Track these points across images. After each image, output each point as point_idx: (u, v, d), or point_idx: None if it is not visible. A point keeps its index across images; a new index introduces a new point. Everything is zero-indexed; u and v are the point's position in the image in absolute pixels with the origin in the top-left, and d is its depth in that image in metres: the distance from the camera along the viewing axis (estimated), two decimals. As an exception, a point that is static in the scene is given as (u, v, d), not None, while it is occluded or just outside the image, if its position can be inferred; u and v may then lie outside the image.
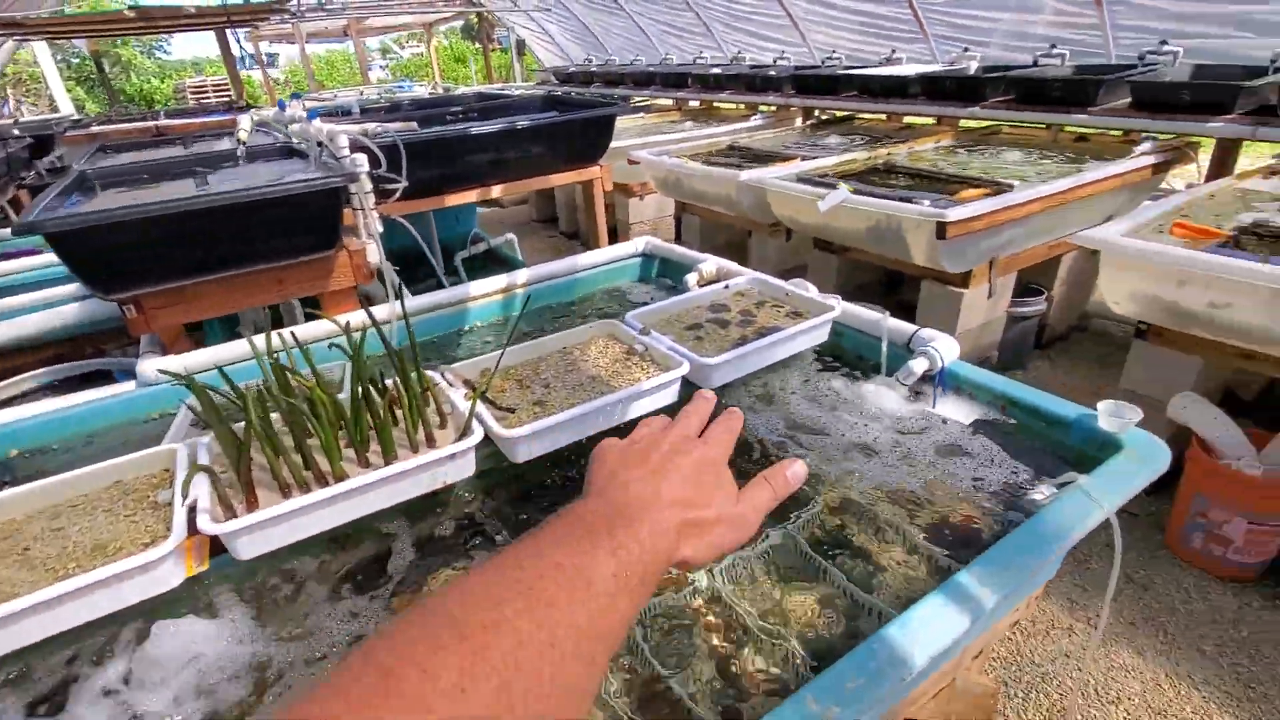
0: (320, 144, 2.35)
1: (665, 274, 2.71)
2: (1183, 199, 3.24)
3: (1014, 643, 2.60)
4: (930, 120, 5.82)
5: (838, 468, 1.53)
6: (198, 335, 3.34)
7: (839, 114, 6.13)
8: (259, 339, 1.42)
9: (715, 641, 1.17)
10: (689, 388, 1.69)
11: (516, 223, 8.56)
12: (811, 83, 6.22)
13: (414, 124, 2.53)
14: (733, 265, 2.37)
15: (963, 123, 5.42)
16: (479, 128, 2.81)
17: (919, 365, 1.66)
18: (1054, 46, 5.44)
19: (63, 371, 2.50)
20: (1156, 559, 2.93)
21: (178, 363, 1.94)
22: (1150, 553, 2.96)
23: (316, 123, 2.38)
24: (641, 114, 7.73)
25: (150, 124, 8.38)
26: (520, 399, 1.57)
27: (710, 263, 2.39)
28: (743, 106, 7.43)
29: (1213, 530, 2.74)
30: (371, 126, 2.43)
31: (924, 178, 4.14)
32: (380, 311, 2.13)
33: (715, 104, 7.70)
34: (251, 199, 1.83)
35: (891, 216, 3.32)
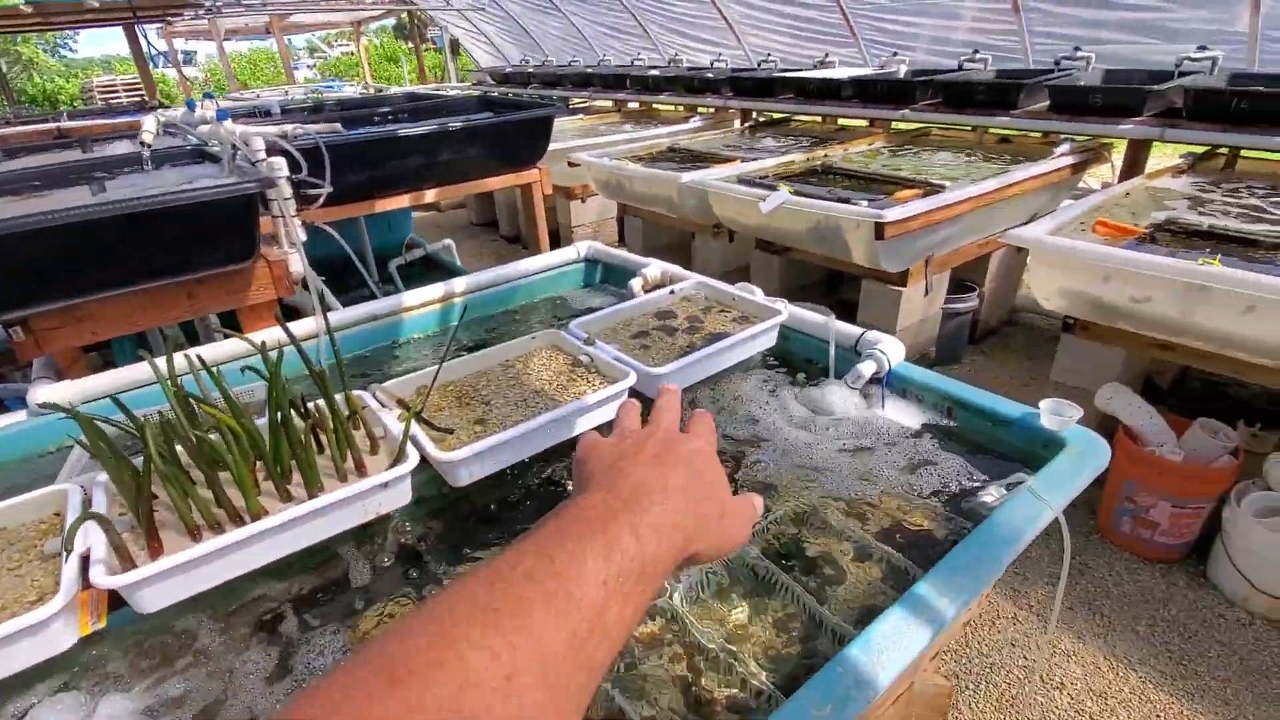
0: (235, 147, 2.18)
1: (609, 279, 2.65)
2: (1100, 198, 3.39)
3: (962, 635, 2.65)
4: (864, 122, 5.96)
5: (790, 475, 1.50)
6: (107, 354, 3.08)
7: (776, 116, 6.21)
8: (160, 361, 1.29)
9: (677, 668, 1.12)
10: (637, 399, 1.64)
11: (455, 227, 8.34)
12: (748, 85, 6.27)
13: (337, 125, 2.39)
14: (677, 269, 2.32)
15: (894, 125, 5.56)
16: (408, 129, 2.68)
17: (867, 368, 1.65)
18: (976, 52, 5.65)
19: (-60, 401, 2.25)
20: (1090, 543, 3.05)
21: (72, 389, 1.75)
22: (1084, 537, 3.08)
23: (228, 124, 2.20)
24: (580, 115, 7.64)
25: (52, 125, 7.79)
26: (459, 418, 1.48)
27: (654, 267, 2.34)
28: (682, 108, 7.44)
29: (1140, 515, 2.86)
30: (290, 128, 2.27)
31: (861, 179, 4.22)
32: (307, 326, 1.99)
33: (654, 106, 7.69)
34: (153, 207, 1.66)
35: (830, 217, 3.35)
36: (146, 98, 11.59)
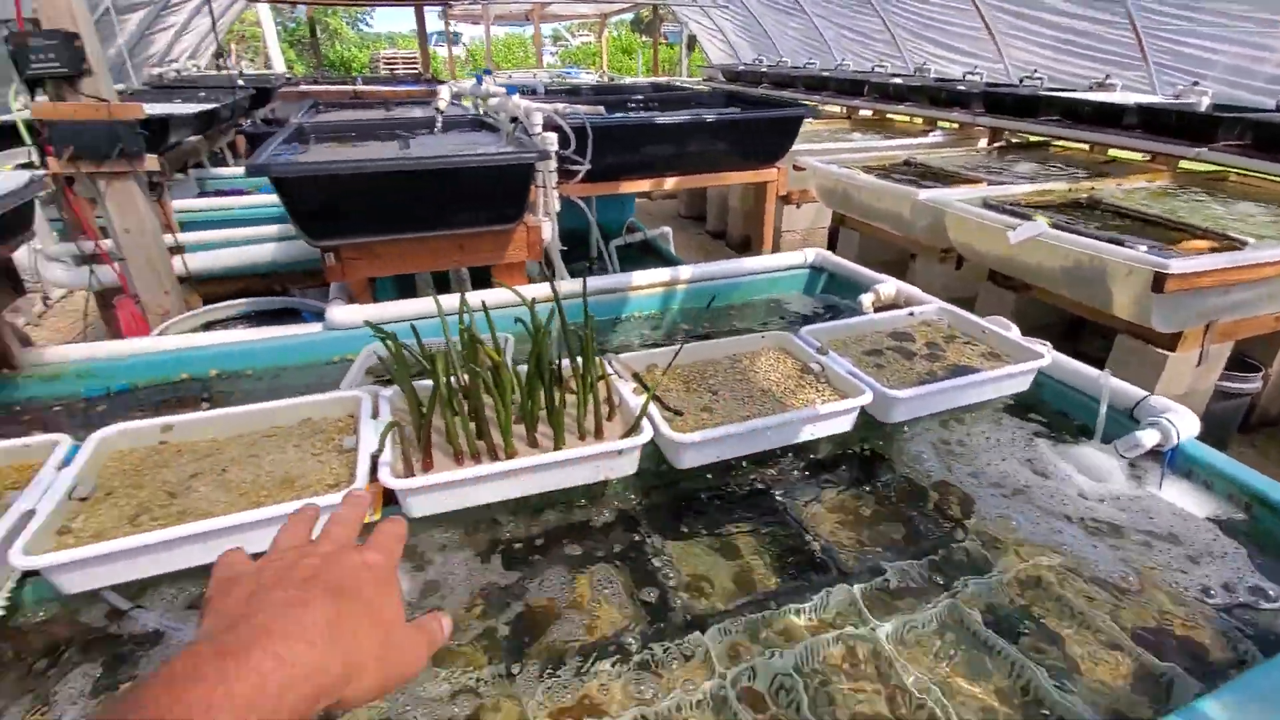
0: (515, 120, 2.42)
1: (832, 290, 2.56)
2: None
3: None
4: (1141, 157, 5.17)
5: (1024, 536, 1.34)
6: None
7: (1032, 138, 5.60)
8: (445, 300, 1.45)
9: (871, 701, 1.05)
10: (865, 418, 1.56)
11: (663, 217, 8.59)
12: (1005, 101, 5.72)
13: (601, 108, 2.55)
14: (914, 290, 2.18)
15: (1182, 164, 4.76)
16: (666, 117, 2.79)
17: (1148, 438, 1.42)
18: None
19: (260, 304, 2.75)
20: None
21: (362, 313, 2.05)
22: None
23: (516, 98, 2.45)
24: (808, 119, 7.46)
25: (349, 88, 9.19)
26: (687, 403, 1.50)
27: (890, 284, 2.21)
28: (920, 121, 6.99)
29: None
30: (562, 106, 2.46)
31: (1135, 219, 3.66)
32: (543, 289, 2.14)
33: (888, 116, 7.30)
34: (459, 165, 1.91)
35: (1096, 259, 2.94)
36: (421, 70, 13.27)
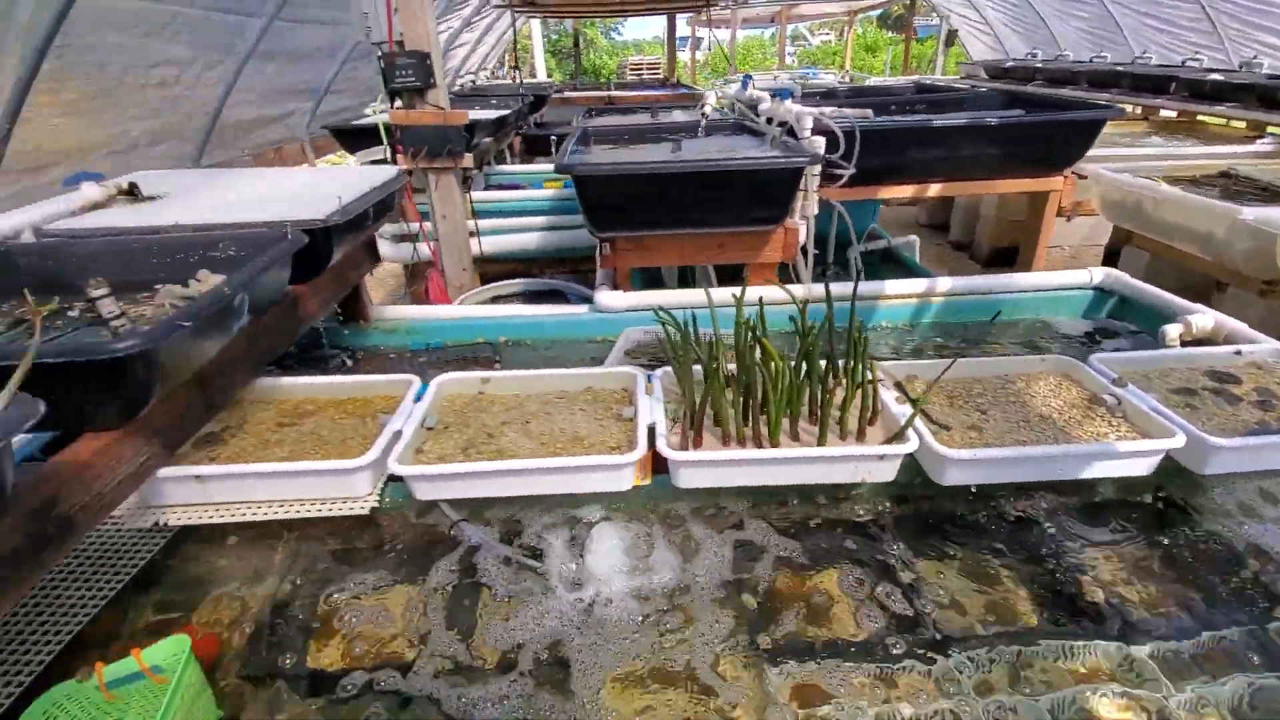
0: (782, 124, 2.48)
1: (1122, 315, 2.26)
2: None
3: None
4: None
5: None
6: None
7: None
8: (717, 293, 1.55)
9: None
10: (1169, 464, 1.37)
11: (901, 224, 8.09)
12: (1382, 100, 4.50)
13: (868, 111, 2.51)
14: (1241, 327, 1.85)
15: None
16: (942, 120, 2.65)
17: None
18: None
19: (534, 285, 3.14)
20: None
21: (626, 300, 2.25)
22: None
23: (787, 103, 2.51)
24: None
25: (604, 93, 9.96)
26: (952, 419, 1.45)
27: (1205, 316, 1.90)
28: (1243, 125, 5.77)
29: None
30: (830, 110, 2.47)
31: None
32: (795, 290, 2.17)
33: (1200, 118, 6.12)
34: (737, 169, 2.03)
35: None
36: (666, 75, 13.93)
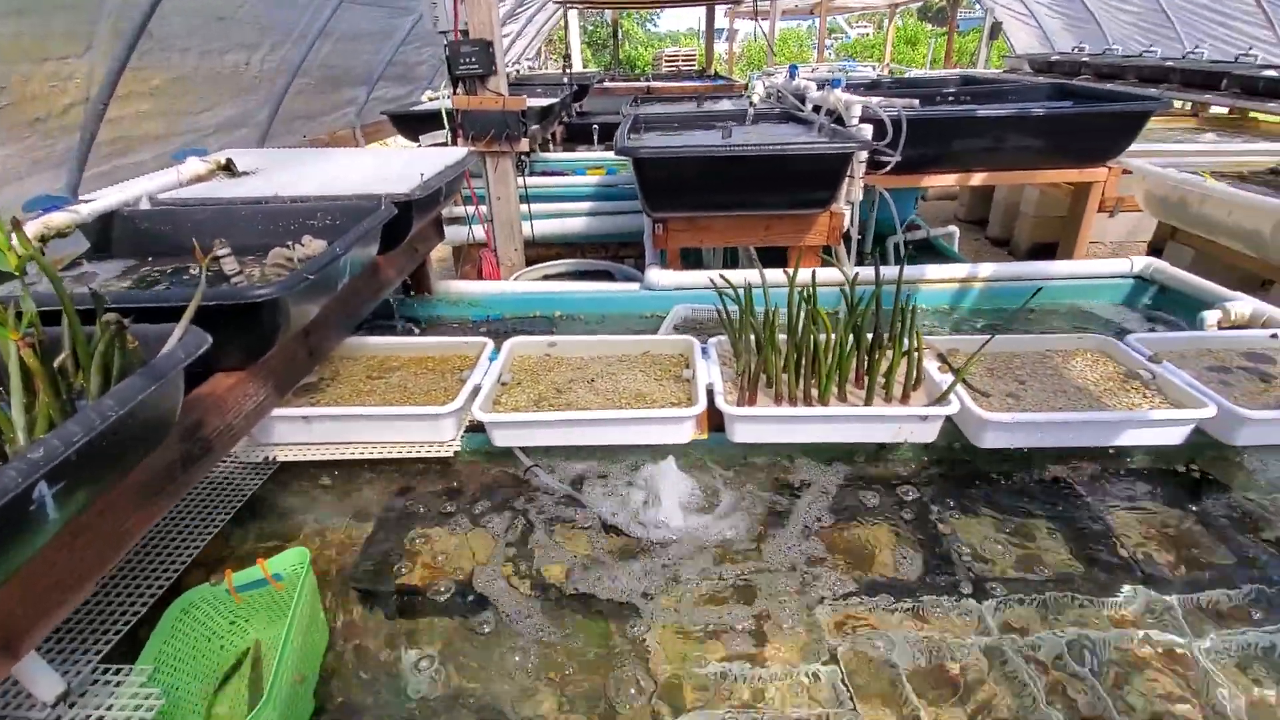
0: (829, 112, 2.56)
1: (1162, 306, 2.30)
2: None
3: None
4: None
5: None
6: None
7: None
8: (771, 273, 1.66)
9: (1174, 708, 1.04)
10: (1200, 436, 1.44)
11: (940, 219, 8.06)
12: None
13: (915, 101, 2.58)
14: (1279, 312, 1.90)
15: None
16: (987, 110, 2.71)
17: None
18: None
19: (583, 265, 3.28)
20: None
21: (677, 278, 2.37)
22: None
23: (837, 92, 2.59)
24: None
25: (642, 84, 10.04)
26: (991, 387, 1.54)
27: (1244, 303, 1.95)
28: (1300, 121, 5.65)
29: None
30: (876, 100, 2.54)
31: None
32: (832, 274, 2.26)
33: (1253, 114, 6.00)
34: (790, 153, 2.14)
35: None
36: (704, 66, 13.95)
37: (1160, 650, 1.13)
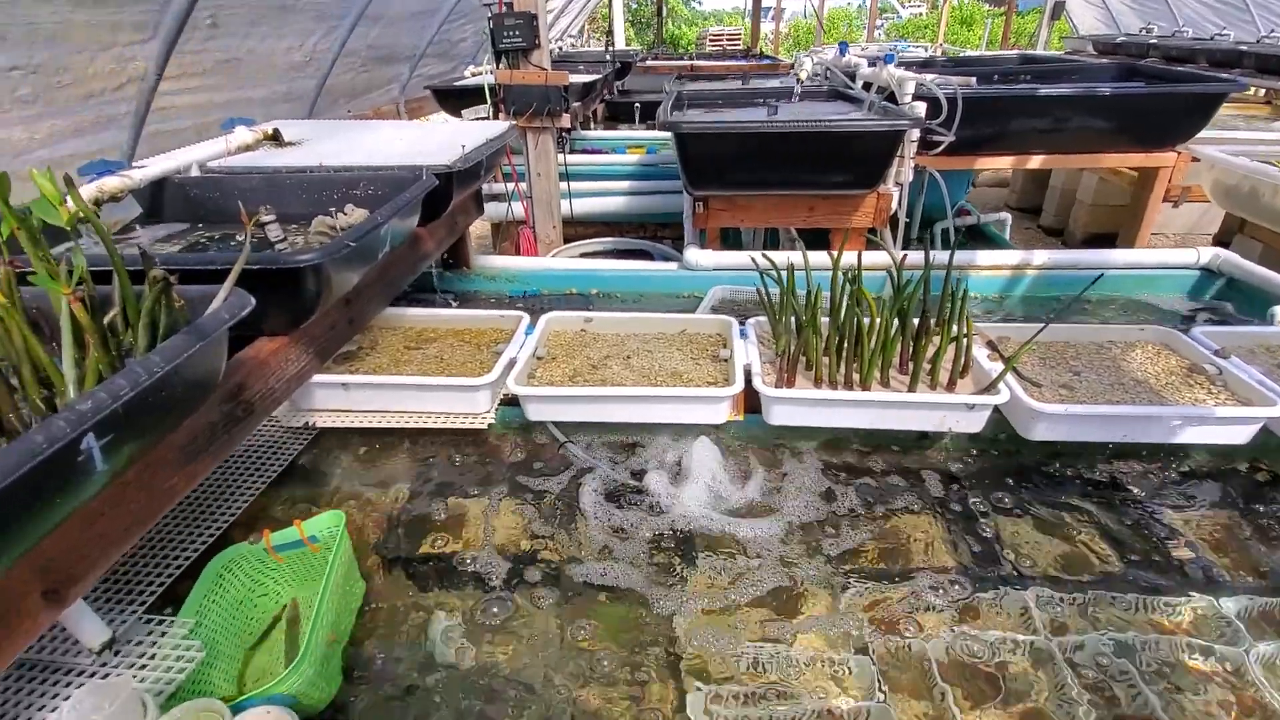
0: (880, 90, 2.47)
1: (1230, 299, 2.18)
2: None
3: None
4: None
5: None
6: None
7: None
8: (813, 255, 1.61)
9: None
10: (1266, 436, 1.36)
11: (990, 205, 7.79)
12: None
13: (972, 80, 2.47)
14: (1361, 309, 1.77)
15: None
16: (1053, 89, 2.57)
17: None
18: None
19: (621, 244, 3.25)
20: None
21: (716, 259, 2.33)
22: None
23: (890, 68, 2.50)
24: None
25: (686, 63, 9.89)
26: (1044, 377, 1.47)
27: (1321, 298, 1.83)
28: (1389, 108, 5.28)
29: None
30: (931, 77, 2.44)
31: None
32: (880, 257, 2.19)
33: (1336, 100, 5.63)
34: (839, 130, 2.07)
35: None
36: (750, 45, 13.68)
37: (1214, 659, 1.07)
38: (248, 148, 2.03)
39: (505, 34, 2.78)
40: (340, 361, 1.59)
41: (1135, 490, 1.38)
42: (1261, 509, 1.34)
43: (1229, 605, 1.15)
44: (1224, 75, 3.88)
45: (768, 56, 10.34)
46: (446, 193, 1.82)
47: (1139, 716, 1.00)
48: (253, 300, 0.99)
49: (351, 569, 1.22)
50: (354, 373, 1.53)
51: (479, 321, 1.76)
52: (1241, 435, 1.33)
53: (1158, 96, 2.75)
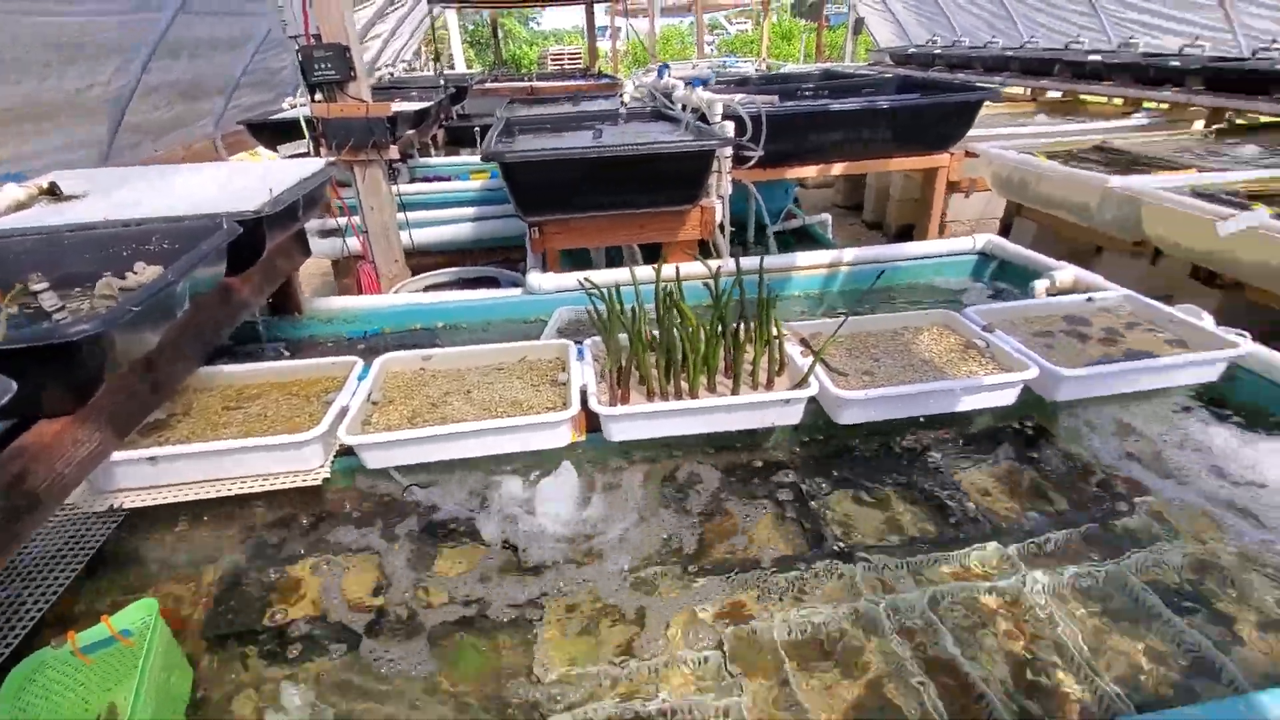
0: (695, 110, 2.63)
1: (1002, 278, 2.53)
2: None
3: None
4: None
5: (1195, 517, 1.35)
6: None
7: (1265, 119, 4.92)
8: (640, 270, 1.69)
9: (1014, 647, 1.15)
10: (1031, 397, 1.60)
11: (817, 206, 8.46)
12: (1231, 78, 5.05)
13: (775, 98, 2.69)
14: (1096, 278, 2.12)
15: None
16: (840, 104, 2.88)
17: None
18: None
19: (467, 273, 3.21)
20: None
21: (557, 281, 2.37)
22: None
23: (699, 90, 2.67)
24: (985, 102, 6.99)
25: (527, 84, 9.90)
26: (849, 367, 1.64)
27: (1067, 271, 2.17)
28: (1119, 102, 6.33)
29: None
30: (739, 97, 2.64)
31: (1386, 211, 3.16)
32: (712, 265, 2.33)
33: (1081, 97, 6.68)
34: (656, 152, 2.18)
35: (1326, 254, 2.62)
36: (587, 66, 13.95)
37: (1006, 597, 1.24)
38: (21, 205, 1.81)
39: (317, 67, 2.68)
40: (147, 432, 1.46)
41: (936, 455, 1.58)
42: (1036, 456, 1.57)
43: (1012, 548, 1.34)
44: (983, 84, 4.48)
45: (606, 75, 10.60)
46: (257, 239, 1.72)
47: (944, 657, 1.14)
48: (14, 385, 0.90)
49: (171, 659, 1.12)
50: (164, 443, 1.41)
51: (307, 371, 1.68)
52: (1008, 398, 1.55)
53: (927, 107, 3.14)
